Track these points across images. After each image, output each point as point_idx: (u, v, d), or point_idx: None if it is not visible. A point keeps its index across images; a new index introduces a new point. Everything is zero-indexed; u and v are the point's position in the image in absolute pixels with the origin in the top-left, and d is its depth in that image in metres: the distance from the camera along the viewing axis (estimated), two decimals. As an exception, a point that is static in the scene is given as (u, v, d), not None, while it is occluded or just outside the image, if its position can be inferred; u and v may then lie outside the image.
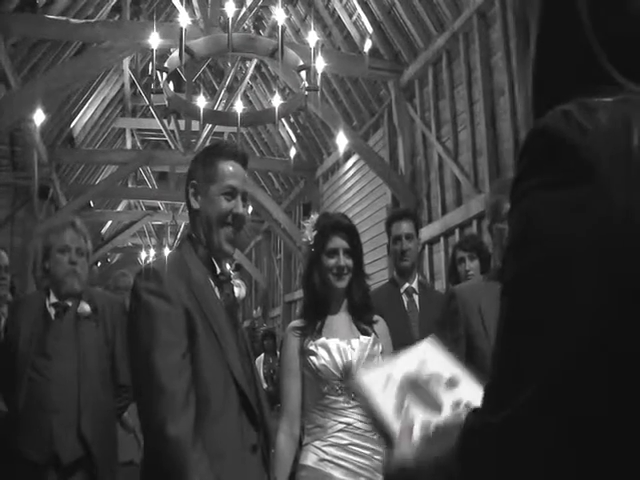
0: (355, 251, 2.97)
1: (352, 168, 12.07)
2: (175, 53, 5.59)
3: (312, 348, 2.84)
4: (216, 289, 2.27)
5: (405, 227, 4.19)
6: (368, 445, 2.75)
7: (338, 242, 2.93)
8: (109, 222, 18.56)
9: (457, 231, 8.37)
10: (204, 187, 2.29)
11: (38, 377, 3.32)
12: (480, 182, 7.91)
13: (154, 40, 5.56)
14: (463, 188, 8.39)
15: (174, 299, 2.08)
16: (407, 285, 4.20)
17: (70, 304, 3.49)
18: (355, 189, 11.88)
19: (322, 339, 2.85)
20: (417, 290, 4.21)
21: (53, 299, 3.48)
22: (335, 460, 2.72)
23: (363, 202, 11.41)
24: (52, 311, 3.47)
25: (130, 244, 21.33)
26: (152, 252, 17.48)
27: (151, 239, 20.20)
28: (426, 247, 8.90)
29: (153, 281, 2.11)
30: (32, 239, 10.48)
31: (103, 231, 18.46)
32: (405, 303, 4.14)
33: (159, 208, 17.99)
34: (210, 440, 2.01)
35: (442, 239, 8.78)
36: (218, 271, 2.29)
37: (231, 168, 2.32)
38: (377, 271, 10.07)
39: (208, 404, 2.06)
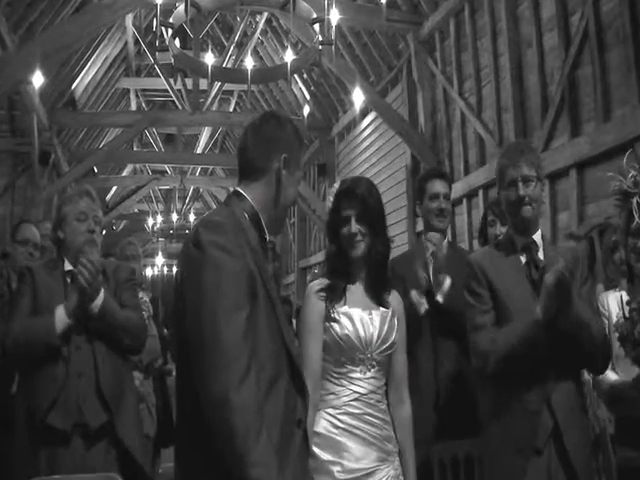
0: (368, 216, 2.92)
1: (369, 126, 12.13)
2: (180, 7, 5.50)
3: (335, 315, 2.86)
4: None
5: (443, 186, 4.10)
6: (379, 415, 2.83)
7: (348, 210, 2.93)
8: (114, 188, 19.12)
9: (480, 192, 8.36)
10: (292, 169, 2.34)
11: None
12: (505, 140, 7.80)
13: (158, -6, 5.54)
14: (487, 147, 8.31)
15: (240, 257, 2.07)
16: None
17: None
18: (373, 148, 11.93)
19: (345, 307, 2.88)
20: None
21: (67, 266, 3.53)
22: (349, 429, 2.77)
23: (381, 162, 11.47)
24: (67, 278, 3.56)
25: (136, 210, 21.63)
26: (159, 218, 17.52)
27: (158, 205, 20.27)
28: (448, 209, 8.87)
29: (220, 235, 2.08)
30: (33, 207, 10.68)
31: (108, 198, 18.93)
32: None
33: (166, 172, 18.16)
34: (264, 410, 2.00)
35: (465, 200, 8.80)
36: (267, 237, 2.32)
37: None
38: (397, 234, 10.08)
39: (263, 371, 2.05)
